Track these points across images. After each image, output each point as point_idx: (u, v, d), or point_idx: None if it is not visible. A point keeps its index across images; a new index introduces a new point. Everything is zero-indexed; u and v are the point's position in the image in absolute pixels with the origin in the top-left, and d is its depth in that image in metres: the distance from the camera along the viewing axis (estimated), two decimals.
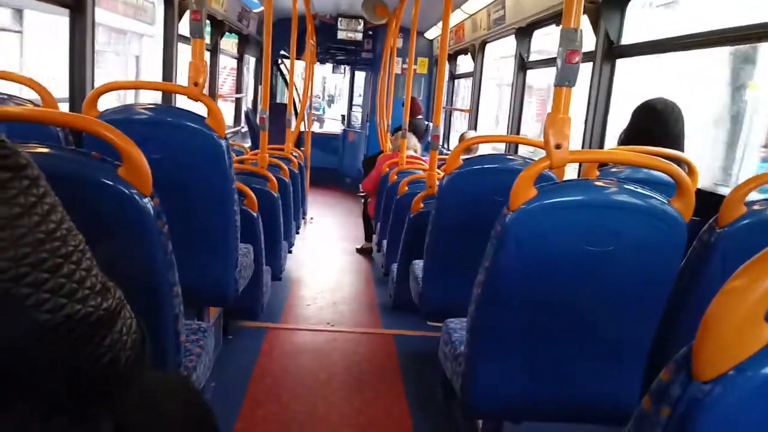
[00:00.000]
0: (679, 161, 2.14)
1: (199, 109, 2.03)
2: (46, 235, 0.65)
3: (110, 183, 1.24)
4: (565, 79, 1.43)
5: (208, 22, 5.38)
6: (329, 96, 13.50)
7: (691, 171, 2.13)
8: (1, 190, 0.61)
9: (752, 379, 0.56)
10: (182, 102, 2.45)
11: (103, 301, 0.71)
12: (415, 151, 4.82)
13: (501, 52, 6.41)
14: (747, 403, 0.57)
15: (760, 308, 0.56)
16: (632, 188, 1.44)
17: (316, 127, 10.81)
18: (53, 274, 0.65)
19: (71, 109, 2.83)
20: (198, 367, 1.67)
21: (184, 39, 4.17)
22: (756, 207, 1.52)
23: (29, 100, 2.14)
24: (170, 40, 4.00)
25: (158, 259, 1.33)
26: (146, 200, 1.27)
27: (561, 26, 1.45)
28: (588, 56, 3.10)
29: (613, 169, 2.18)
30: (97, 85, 2.84)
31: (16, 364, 0.66)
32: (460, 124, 7.18)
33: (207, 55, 5.51)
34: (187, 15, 3.88)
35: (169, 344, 1.42)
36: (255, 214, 2.65)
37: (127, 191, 1.25)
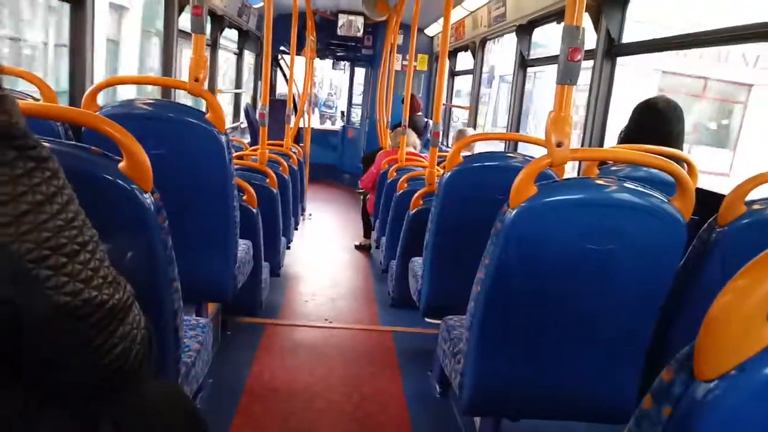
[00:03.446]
0: (679, 160, 2.14)
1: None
2: (65, 223, 0.69)
3: (111, 178, 1.23)
4: (567, 77, 1.43)
5: (208, 17, 5.37)
6: (315, 96, 13.40)
7: (690, 170, 2.13)
8: (26, 178, 0.65)
9: (754, 379, 0.56)
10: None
11: (115, 292, 0.75)
12: (414, 148, 4.81)
13: None
14: (749, 403, 0.57)
15: (763, 308, 0.56)
16: (632, 187, 1.44)
17: (316, 123, 10.78)
18: (71, 258, 0.69)
19: (71, 103, 2.82)
20: (196, 363, 1.67)
21: (183, 34, 4.16)
22: (756, 206, 1.52)
23: (29, 95, 2.13)
24: (170, 35, 3.98)
25: (158, 255, 1.33)
26: (147, 196, 1.27)
27: (563, 23, 1.44)
28: (588, 54, 3.10)
29: (614, 168, 2.18)
30: (97, 80, 2.84)
31: (32, 348, 0.68)
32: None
33: (207, 51, 5.51)
34: (186, 10, 3.89)
35: (168, 340, 1.42)
36: (254, 210, 2.64)
37: (127, 186, 1.24)
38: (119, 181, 1.24)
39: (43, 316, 0.67)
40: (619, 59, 3.07)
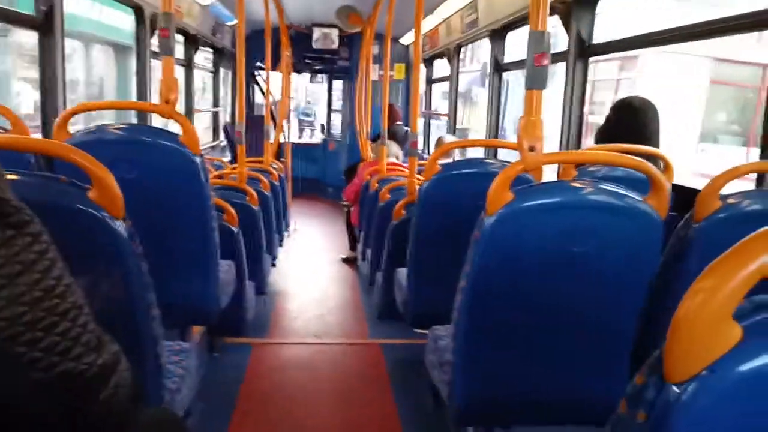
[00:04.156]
0: (655, 158, 2.16)
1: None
2: (44, 293, 0.64)
3: (81, 207, 1.22)
4: (535, 82, 1.43)
5: (181, 37, 5.36)
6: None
7: (666, 167, 2.15)
8: (3, 249, 0.61)
9: (725, 379, 0.56)
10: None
11: (97, 358, 0.70)
12: (397, 158, 4.81)
13: None
14: (721, 403, 0.56)
15: (729, 307, 0.56)
16: (607, 188, 1.45)
17: (295, 136, 10.76)
18: (48, 332, 0.64)
19: (43, 131, 2.80)
20: (181, 389, 1.65)
21: (157, 55, 4.15)
22: (730, 201, 1.53)
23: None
24: (143, 56, 3.96)
25: (133, 282, 1.31)
26: (118, 223, 1.25)
27: (528, 29, 1.45)
28: (561, 56, 3.13)
29: (591, 168, 2.19)
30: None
31: (7, 419, 0.64)
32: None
33: (181, 71, 5.47)
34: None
35: (149, 367, 1.40)
36: (235, 230, 2.62)
37: (98, 214, 1.23)
38: (89, 209, 1.22)
39: (17, 393, 0.63)
40: (665, 48, 2.97)
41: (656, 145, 2.29)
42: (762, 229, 0.57)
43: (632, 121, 2.32)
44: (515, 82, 7.56)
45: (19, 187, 1.20)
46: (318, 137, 10.11)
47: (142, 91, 3.95)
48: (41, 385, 0.64)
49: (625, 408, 0.63)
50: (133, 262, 1.30)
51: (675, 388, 0.57)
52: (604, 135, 2.40)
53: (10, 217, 0.63)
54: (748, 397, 0.56)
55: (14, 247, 0.62)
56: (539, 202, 1.43)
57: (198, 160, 1.93)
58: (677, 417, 0.57)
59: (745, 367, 0.55)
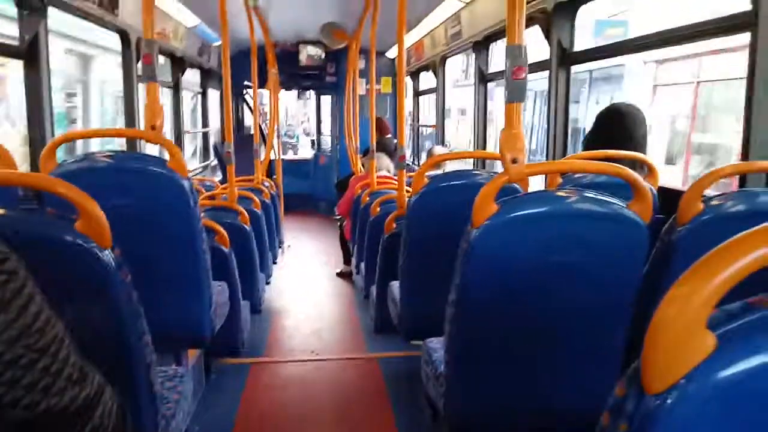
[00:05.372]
0: (642, 163, 2.18)
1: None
2: (21, 331, 0.63)
3: (68, 238, 1.22)
4: (514, 95, 1.45)
5: (168, 60, 5.38)
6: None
7: (651, 172, 2.17)
8: None
9: (702, 388, 0.56)
10: None
11: (81, 391, 0.69)
12: (389, 171, 4.82)
13: None
14: (699, 412, 0.57)
15: (702, 315, 0.56)
16: (591, 195, 1.46)
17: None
18: (29, 370, 0.63)
19: (32, 160, 2.80)
20: (177, 414, 1.64)
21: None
22: (713, 203, 1.55)
23: None
24: (130, 81, 3.97)
25: (123, 311, 1.31)
26: (106, 253, 1.25)
27: (506, 43, 1.47)
28: (543, 65, 3.16)
29: (577, 176, 2.21)
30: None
31: None
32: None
33: (168, 93, 5.48)
34: None
35: (143, 396, 1.40)
36: (227, 250, 2.63)
37: (85, 245, 1.23)
38: (77, 240, 1.22)
39: None
40: None
41: (644, 151, 2.31)
42: (732, 238, 0.58)
43: (619, 127, 2.34)
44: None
45: (6, 222, 1.21)
46: (309, 153, 10.14)
47: (131, 117, 3.96)
48: (25, 424, 0.63)
49: (608, 420, 0.64)
50: (122, 291, 1.30)
51: (653, 399, 0.58)
52: (592, 141, 2.42)
53: None
54: (725, 405, 0.57)
55: None
56: (523, 212, 1.44)
57: (186, 183, 1.93)
58: (657, 427, 0.57)
59: (721, 375, 0.56)
